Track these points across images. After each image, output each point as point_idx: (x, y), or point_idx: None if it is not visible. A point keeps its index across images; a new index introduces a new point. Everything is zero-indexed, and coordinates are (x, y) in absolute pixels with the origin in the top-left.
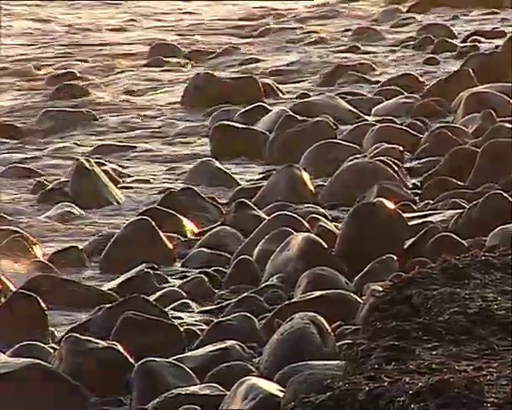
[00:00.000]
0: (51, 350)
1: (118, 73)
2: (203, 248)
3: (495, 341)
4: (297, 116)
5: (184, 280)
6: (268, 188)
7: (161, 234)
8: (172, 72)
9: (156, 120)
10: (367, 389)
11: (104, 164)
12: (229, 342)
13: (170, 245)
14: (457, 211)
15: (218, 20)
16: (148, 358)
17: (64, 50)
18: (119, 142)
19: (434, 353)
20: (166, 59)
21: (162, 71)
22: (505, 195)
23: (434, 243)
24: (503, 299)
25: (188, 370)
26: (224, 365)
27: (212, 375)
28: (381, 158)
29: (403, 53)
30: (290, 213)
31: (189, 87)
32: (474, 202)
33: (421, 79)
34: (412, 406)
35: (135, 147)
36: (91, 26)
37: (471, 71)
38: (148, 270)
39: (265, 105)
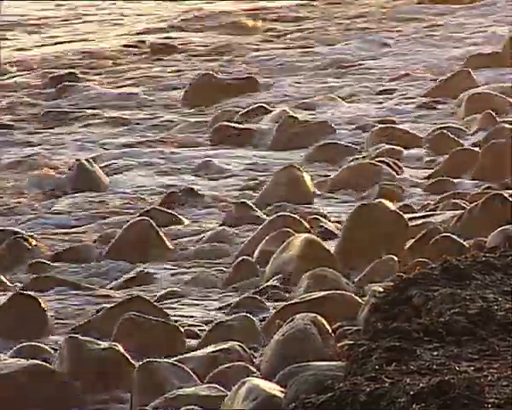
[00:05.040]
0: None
1: None
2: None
3: (496, 341)
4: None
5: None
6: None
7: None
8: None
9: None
10: (368, 389)
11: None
12: (230, 343)
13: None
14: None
15: None
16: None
17: None
18: None
19: (435, 354)
20: None
21: None
22: (506, 195)
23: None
24: (503, 300)
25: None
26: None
27: (212, 376)
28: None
29: None
30: (290, 214)
31: None
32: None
33: None
34: (413, 407)
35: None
36: None
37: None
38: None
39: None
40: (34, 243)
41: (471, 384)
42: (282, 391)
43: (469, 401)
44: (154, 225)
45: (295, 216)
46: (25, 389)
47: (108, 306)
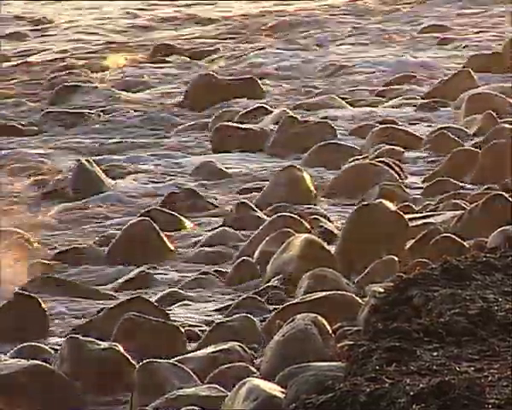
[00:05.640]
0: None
1: None
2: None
3: (496, 342)
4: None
5: (186, 280)
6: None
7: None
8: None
9: None
10: (368, 390)
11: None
12: (231, 343)
13: (171, 246)
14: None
15: None
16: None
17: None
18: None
19: (435, 354)
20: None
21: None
22: (506, 196)
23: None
24: (503, 300)
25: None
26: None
27: (213, 376)
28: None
29: None
30: (291, 214)
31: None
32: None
33: None
34: (413, 407)
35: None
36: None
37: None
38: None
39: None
40: (35, 243)
41: (471, 385)
42: (282, 392)
43: (469, 402)
44: (155, 225)
45: (295, 216)
46: (25, 389)
47: (109, 306)
